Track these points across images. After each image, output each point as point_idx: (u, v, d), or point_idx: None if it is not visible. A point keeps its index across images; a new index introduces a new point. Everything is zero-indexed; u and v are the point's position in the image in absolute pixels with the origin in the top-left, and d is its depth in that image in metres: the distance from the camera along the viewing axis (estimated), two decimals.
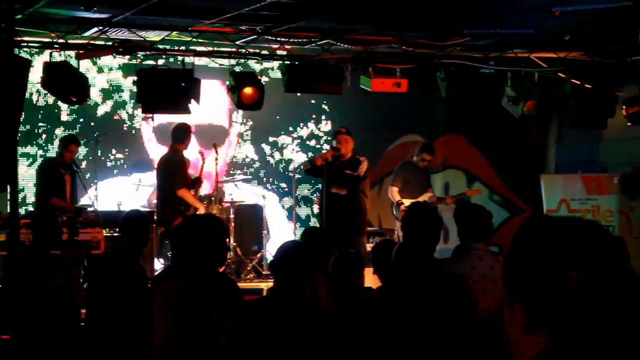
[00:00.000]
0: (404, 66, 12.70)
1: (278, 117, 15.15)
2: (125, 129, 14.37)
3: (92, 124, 14.13)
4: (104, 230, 10.97)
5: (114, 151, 14.33)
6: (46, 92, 12.03)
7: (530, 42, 12.62)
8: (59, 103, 13.65)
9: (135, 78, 11.63)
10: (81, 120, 14.06)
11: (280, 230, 14.52)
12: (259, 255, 12.98)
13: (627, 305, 2.34)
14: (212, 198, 13.00)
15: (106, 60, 13.78)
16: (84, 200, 12.29)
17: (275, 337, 4.83)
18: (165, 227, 11.88)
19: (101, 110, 14.20)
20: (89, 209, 11.45)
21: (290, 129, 15.23)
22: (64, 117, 13.97)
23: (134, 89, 13.88)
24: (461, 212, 6.31)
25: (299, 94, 14.90)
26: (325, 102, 15.48)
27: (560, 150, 15.62)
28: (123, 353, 7.23)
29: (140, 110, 13.87)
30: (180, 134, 12.21)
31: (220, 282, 5.67)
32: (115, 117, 14.30)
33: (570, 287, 2.08)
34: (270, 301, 5.14)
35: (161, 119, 14.00)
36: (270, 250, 12.94)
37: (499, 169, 15.96)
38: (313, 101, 15.41)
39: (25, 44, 11.47)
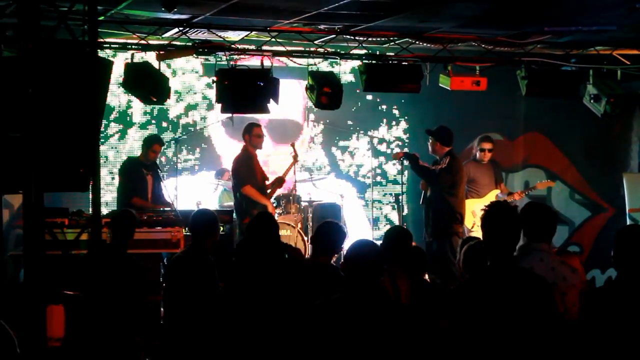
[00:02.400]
0: (483, 64, 12.61)
1: (349, 122, 15.16)
2: (198, 129, 14.49)
3: (165, 124, 14.31)
4: (183, 230, 11.06)
5: (185, 152, 14.48)
6: (119, 92, 12.13)
7: (612, 39, 12.41)
8: (132, 104, 13.86)
9: (214, 78, 11.68)
10: (153, 121, 14.24)
11: (358, 230, 14.48)
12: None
13: None
14: (290, 197, 13.03)
15: (179, 62, 13.92)
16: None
17: (351, 335, 4.90)
18: (238, 226, 11.81)
19: (173, 113, 14.35)
20: (169, 209, 11.53)
21: (361, 133, 15.18)
22: (137, 118, 14.15)
23: (207, 90, 14.11)
24: (527, 211, 6.23)
25: (369, 98, 14.91)
26: (395, 106, 15.43)
27: None
28: (199, 348, 7.33)
29: (212, 111, 14.10)
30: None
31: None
32: (187, 119, 14.47)
33: None
34: (344, 300, 5.16)
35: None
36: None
37: (580, 168, 15.72)
38: (384, 106, 15.38)
39: (107, 45, 11.64)
